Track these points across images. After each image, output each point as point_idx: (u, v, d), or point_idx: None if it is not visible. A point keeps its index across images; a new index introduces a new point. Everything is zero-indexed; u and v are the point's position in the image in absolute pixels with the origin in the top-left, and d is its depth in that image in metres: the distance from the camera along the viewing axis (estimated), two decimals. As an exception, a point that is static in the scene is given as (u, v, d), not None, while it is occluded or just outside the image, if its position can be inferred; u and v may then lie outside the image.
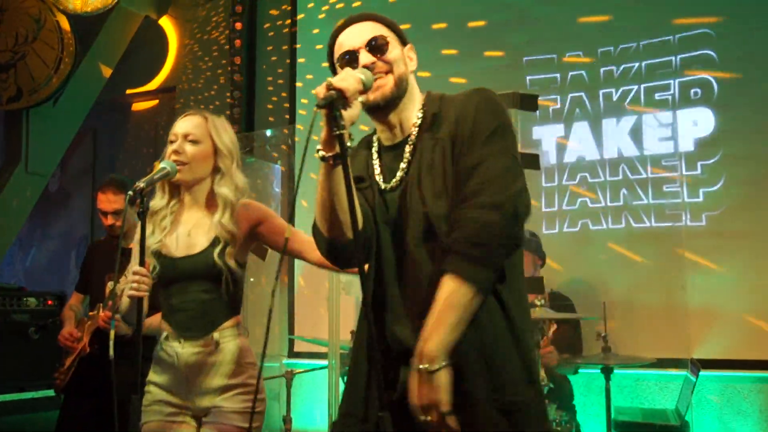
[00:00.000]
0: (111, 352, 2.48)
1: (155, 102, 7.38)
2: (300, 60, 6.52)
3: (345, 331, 4.51)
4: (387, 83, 2.06)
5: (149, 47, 7.15)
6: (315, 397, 5.50)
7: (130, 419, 2.48)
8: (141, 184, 2.59)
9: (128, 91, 7.36)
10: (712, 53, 4.97)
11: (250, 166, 5.86)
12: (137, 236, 2.71)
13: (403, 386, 1.89)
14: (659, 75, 5.11)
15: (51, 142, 6.18)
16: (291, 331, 6.12)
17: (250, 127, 6.55)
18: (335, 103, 1.81)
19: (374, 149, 2.19)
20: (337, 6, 6.33)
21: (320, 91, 1.84)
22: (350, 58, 2.07)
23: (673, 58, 5.08)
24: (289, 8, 6.67)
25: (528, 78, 5.52)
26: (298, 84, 6.49)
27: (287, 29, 6.67)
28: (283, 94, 6.61)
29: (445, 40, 5.80)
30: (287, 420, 4.58)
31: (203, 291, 2.78)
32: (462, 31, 5.81)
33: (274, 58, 6.70)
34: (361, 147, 2.25)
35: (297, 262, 6.15)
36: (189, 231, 2.85)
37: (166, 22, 7.18)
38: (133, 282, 2.60)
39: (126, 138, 7.45)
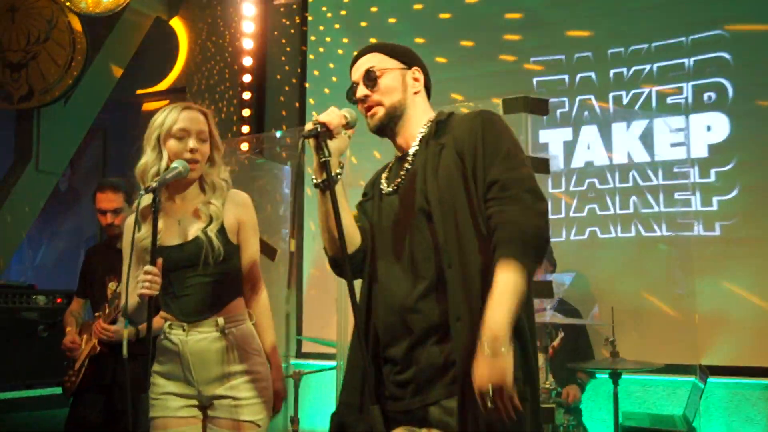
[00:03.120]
0: (125, 351, 2.49)
1: (165, 102, 7.38)
2: (310, 56, 6.52)
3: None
4: (377, 113, 2.29)
5: (160, 48, 7.17)
6: (323, 397, 5.50)
7: (140, 417, 2.49)
8: (153, 183, 2.60)
9: (138, 92, 7.39)
10: (726, 56, 4.92)
11: (260, 167, 5.87)
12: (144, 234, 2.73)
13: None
14: (671, 78, 5.06)
15: (61, 141, 6.21)
16: (299, 331, 6.13)
17: (260, 128, 6.56)
18: (320, 135, 2.10)
19: (390, 164, 2.41)
20: (344, 10, 6.34)
21: (308, 125, 2.12)
22: (350, 92, 2.34)
23: (686, 61, 5.03)
24: (300, 9, 6.69)
25: (535, 80, 5.49)
26: (307, 85, 6.50)
27: (297, 30, 6.68)
28: (293, 95, 6.62)
29: (453, 42, 5.79)
30: (295, 420, 4.59)
31: (202, 275, 2.79)
32: (470, 34, 5.81)
33: (284, 59, 6.71)
34: (379, 172, 2.45)
35: (305, 263, 6.15)
36: (179, 220, 2.86)
37: (176, 23, 7.20)
38: (144, 281, 2.61)
39: (136, 138, 7.39)
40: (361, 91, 2.31)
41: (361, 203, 2.41)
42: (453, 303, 2.04)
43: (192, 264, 2.80)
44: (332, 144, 2.13)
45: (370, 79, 2.30)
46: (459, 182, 2.12)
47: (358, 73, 2.33)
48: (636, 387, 4.89)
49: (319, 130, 2.10)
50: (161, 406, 2.79)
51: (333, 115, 2.16)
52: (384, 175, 2.40)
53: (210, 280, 2.81)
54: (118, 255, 4.08)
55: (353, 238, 2.30)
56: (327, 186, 2.12)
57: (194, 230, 2.84)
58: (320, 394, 5.56)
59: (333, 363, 4.75)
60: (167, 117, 2.87)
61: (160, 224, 2.82)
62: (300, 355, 6.10)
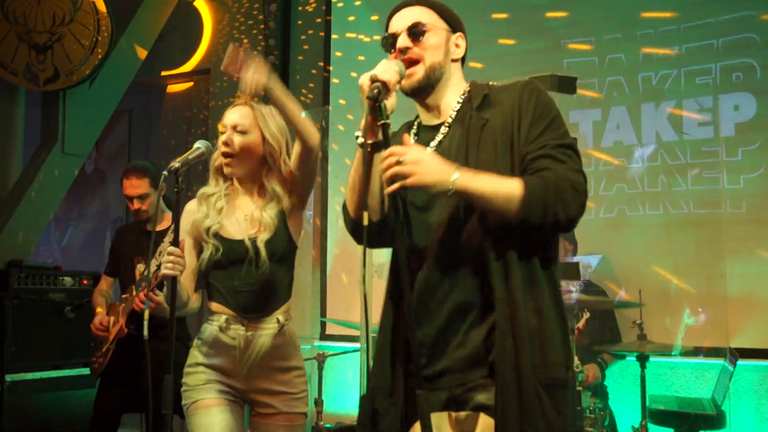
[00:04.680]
0: (145, 331, 2.50)
1: (190, 84, 7.40)
2: (333, 36, 6.49)
3: (377, 315, 4.49)
4: (416, 72, 2.13)
5: (184, 29, 7.17)
6: (346, 379, 5.51)
7: (164, 398, 2.49)
8: (176, 164, 2.60)
9: (163, 73, 7.39)
10: (755, 36, 4.85)
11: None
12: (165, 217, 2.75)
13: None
14: (700, 58, 5.00)
15: (87, 123, 6.22)
16: (323, 313, 6.13)
17: (284, 109, 6.54)
18: (380, 94, 1.94)
19: (413, 130, 2.26)
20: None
21: (365, 82, 1.96)
22: (390, 42, 2.17)
23: (715, 42, 4.96)
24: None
25: (565, 61, 5.43)
26: (330, 68, 6.47)
27: (322, 8, 6.64)
28: (316, 75, 6.59)
29: (482, 20, 5.72)
30: (319, 402, 4.60)
31: (266, 273, 2.84)
32: (500, 12, 5.73)
33: (306, 37, 6.68)
34: (402, 130, 2.30)
35: (329, 246, 6.14)
36: (246, 216, 2.91)
37: (201, 4, 7.18)
38: (167, 262, 2.61)
39: (161, 120, 7.48)
40: (404, 41, 2.14)
41: None
42: (492, 290, 1.96)
43: (256, 262, 2.83)
44: (387, 103, 2.00)
45: (417, 33, 2.14)
46: (504, 159, 2.01)
47: (401, 23, 2.16)
48: (664, 370, 4.85)
49: (380, 89, 1.95)
50: (206, 389, 2.84)
51: (390, 72, 2.02)
52: (411, 139, 2.19)
53: (272, 280, 2.87)
54: (147, 237, 4.14)
55: (381, 205, 2.19)
56: (378, 149, 1.99)
57: (260, 230, 2.87)
58: (344, 376, 5.56)
59: (357, 345, 4.75)
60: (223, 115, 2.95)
61: (226, 216, 2.89)
62: (324, 337, 6.11)
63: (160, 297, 3.35)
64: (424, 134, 2.21)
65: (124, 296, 4.12)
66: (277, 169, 2.91)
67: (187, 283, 2.91)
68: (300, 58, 6.69)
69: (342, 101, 6.32)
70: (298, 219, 2.98)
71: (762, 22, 4.83)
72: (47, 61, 5.89)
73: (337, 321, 5.33)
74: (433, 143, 2.14)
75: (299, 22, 6.73)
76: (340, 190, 6.00)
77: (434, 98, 2.18)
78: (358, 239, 2.23)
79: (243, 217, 2.90)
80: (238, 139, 2.86)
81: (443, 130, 2.15)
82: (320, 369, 4.65)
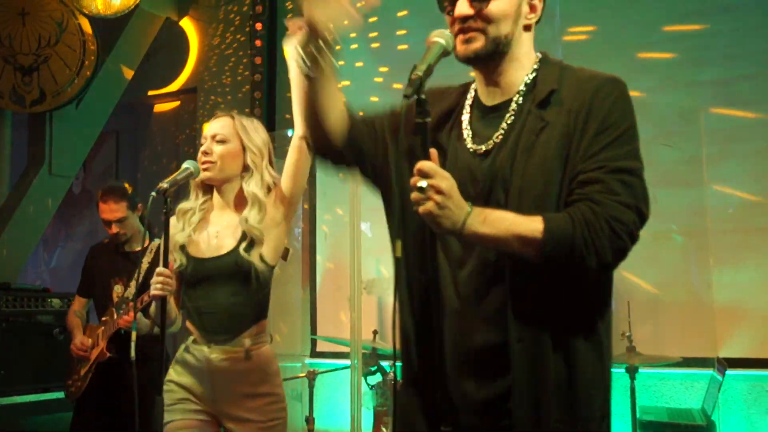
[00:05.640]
0: (132, 353, 2.50)
1: (177, 103, 7.40)
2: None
3: (367, 331, 4.51)
4: (475, 41, 1.77)
5: (170, 49, 7.18)
6: (337, 397, 5.49)
7: (154, 419, 2.49)
8: (164, 184, 2.61)
9: (150, 93, 7.39)
10: (734, 48, 4.86)
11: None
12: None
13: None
14: (686, 71, 5.02)
15: (74, 144, 6.23)
16: (313, 331, 6.12)
17: (270, 127, 6.55)
18: (421, 87, 1.62)
19: (468, 101, 1.91)
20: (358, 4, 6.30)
21: (419, 71, 1.62)
22: (448, 2, 1.81)
23: (700, 53, 4.97)
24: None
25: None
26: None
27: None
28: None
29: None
30: (310, 420, 4.58)
31: (231, 294, 2.76)
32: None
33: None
34: (454, 90, 1.97)
35: (319, 263, 6.14)
36: (217, 232, 2.85)
37: (187, 24, 7.19)
38: (156, 282, 2.61)
39: (148, 139, 7.48)
40: (463, 8, 1.75)
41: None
42: (514, 327, 1.69)
43: (221, 279, 2.76)
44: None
45: None
46: (555, 172, 1.69)
47: None
48: (653, 381, 4.85)
49: (421, 81, 1.61)
50: (179, 410, 2.78)
51: (434, 54, 1.67)
52: (465, 117, 1.88)
53: (237, 300, 2.77)
54: (124, 258, 4.14)
55: (339, 126, 1.92)
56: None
57: (228, 244, 2.80)
58: (335, 393, 5.55)
59: (347, 362, 4.75)
60: None
61: (198, 232, 2.84)
62: (314, 354, 6.09)
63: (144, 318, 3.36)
64: (481, 118, 1.86)
65: (104, 318, 4.08)
66: (259, 176, 2.85)
67: (173, 301, 2.87)
68: (287, 75, 6.70)
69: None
70: (280, 233, 2.86)
71: (745, 32, 4.83)
72: (33, 83, 5.90)
73: (327, 338, 5.33)
74: (498, 134, 1.79)
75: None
76: (328, 209, 6.02)
77: (496, 73, 1.82)
78: (329, 161, 2.00)
79: (214, 232, 2.84)
80: (217, 148, 2.84)
81: (506, 120, 1.79)
82: (311, 386, 4.64)
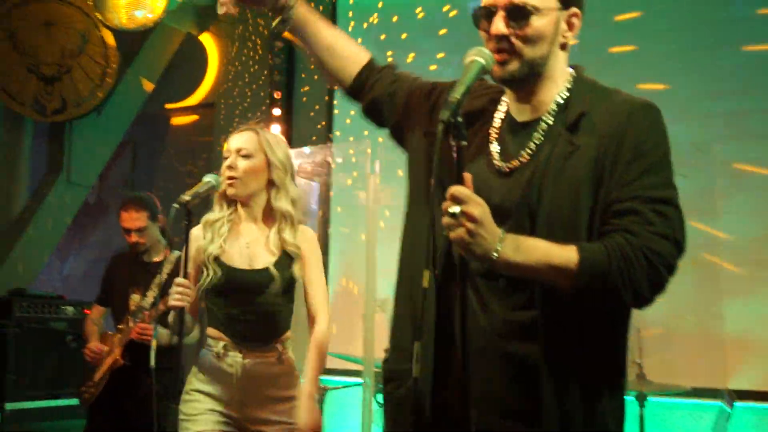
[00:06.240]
0: (152, 362, 2.53)
1: (195, 117, 7.48)
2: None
3: (380, 349, 4.50)
4: (510, 65, 1.71)
5: (190, 63, 7.26)
6: (347, 414, 5.50)
7: (168, 428, 2.52)
8: (186, 197, 2.65)
9: (167, 106, 7.47)
10: (750, 79, 4.89)
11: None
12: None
13: None
14: (695, 103, 5.05)
15: (93, 154, 6.31)
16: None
17: (288, 144, 6.60)
18: (457, 113, 1.53)
19: (496, 120, 1.85)
20: (374, 21, 6.37)
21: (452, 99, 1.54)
22: (483, 16, 1.74)
23: (711, 87, 5.00)
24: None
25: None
26: (336, 102, 6.53)
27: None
28: (320, 109, 6.65)
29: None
30: (319, 436, 4.58)
31: (268, 303, 2.85)
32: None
33: (315, 77, 6.76)
34: (486, 91, 1.91)
35: (331, 280, 6.16)
36: (248, 243, 2.90)
37: (206, 39, 7.28)
38: (176, 293, 2.65)
39: (164, 152, 7.55)
40: (500, 26, 1.69)
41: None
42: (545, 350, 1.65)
43: (258, 292, 2.84)
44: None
45: (520, 16, 1.68)
46: (585, 200, 1.65)
47: None
48: (662, 410, 4.84)
49: (458, 108, 1.53)
50: (204, 420, 2.80)
51: (470, 77, 1.60)
52: (493, 133, 1.82)
53: (273, 310, 2.88)
54: (143, 268, 4.18)
55: (351, 61, 2.04)
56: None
57: (264, 260, 2.87)
58: (345, 411, 5.55)
59: (358, 380, 4.75)
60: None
61: (229, 242, 2.88)
62: (324, 371, 6.08)
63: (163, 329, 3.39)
64: (510, 132, 1.81)
65: (120, 326, 4.12)
66: (285, 192, 2.92)
67: (191, 312, 2.92)
68: (305, 89, 6.75)
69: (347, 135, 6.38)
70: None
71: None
72: (55, 92, 5.99)
73: (340, 355, 5.33)
74: (525, 153, 1.74)
75: (304, 57, 6.81)
76: (341, 224, 6.06)
77: (529, 92, 1.77)
78: (360, 102, 2.09)
79: (245, 244, 2.90)
80: (242, 163, 2.87)
81: (535, 139, 1.74)
82: (321, 403, 4.65)
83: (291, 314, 2.99)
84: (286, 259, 2.88)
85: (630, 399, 4.12)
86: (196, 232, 2.91)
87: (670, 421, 4.84)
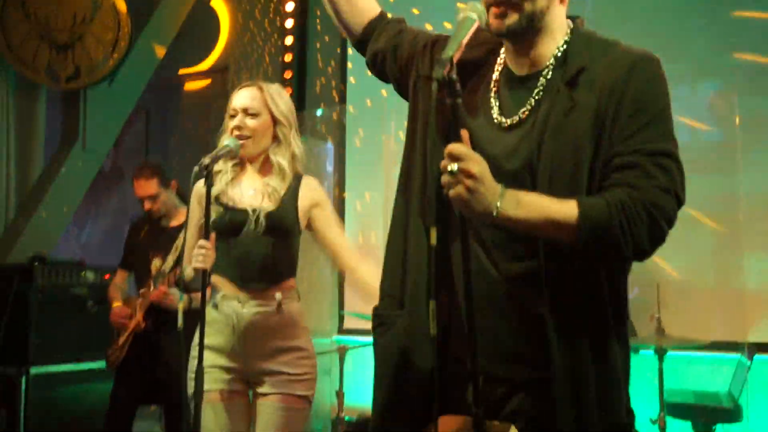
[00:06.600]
0: (180, 323, 2.56)
1: (207, 81, 7.46)
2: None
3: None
4: (509, 19, 1.68)
5: (201, 28, 7.22)
6: (365, 373, 5.54)
7: (195, 388, 2.55)
8: (206, 160, 2.66)
9: (180, 71, 7.46)
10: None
11: (303, 145, 5.89)
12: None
13: None
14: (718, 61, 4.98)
15: (107, 121, 6.31)
16: (341, 306, 6.16)
17: (301, 106, 6.58)
18: (451, 70, 1.54)
19: (495, 73, 1.84)
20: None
21: (449, 52, 1.55)
22: None
23: (732, 45, 4.93)
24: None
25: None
26: (349, 65, 6.49)
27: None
28: (333, 73, 6.61)
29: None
30: (340, 394, 4.64)
31: (268, 245, 2.86)
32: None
33: (326, 38, 6.72)
34: (483, 41, 1.86)
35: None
36: (252, 188, 2.95)
37: (218, 3, 7.24)
38: (198, 255, 2.67)
39: (178, 117, 7.55)
40: None
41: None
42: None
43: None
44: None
45: None
46: (585, 156, 1.65)
47: None
48: (681, 364, 4.85)
49: (451, 67, 1.53)
50: (211, 380, 2.81)
51: (459, 38, 1.61)
52: (492, 88, 1.81)
53: (273, 253, 2.88)
54: (162, 233, 4.23)
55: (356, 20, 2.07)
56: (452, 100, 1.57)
57: (264, 203, 2.92)
58: (365, 370, 5.59)
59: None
60: (230, 97, 2.98)
61: (231, 187, 2.93)
62: (341, 331, 6.14)
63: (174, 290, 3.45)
64: (509, 88, 1.79)
65: (141, 291, 4.18)
66: (287, 146, 2.96)
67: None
68: (317, 56, 6.72)
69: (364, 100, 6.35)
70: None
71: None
72: (68, 59, 5.98)
73: (358, 314, 5.36)
74: (525, 109, 1.74)
75: (317, 20, 6.76)
76: (356, 185, 6.06)
77: (527, 45, 1.75)
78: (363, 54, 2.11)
79: (249, 188, 2.95)
80: (250, 123, 2.91)
81: (535, 94, 1.73)
82: (341, 362, 4.70)
83: (291, 264, 2.97)
84: (290, 203, 2.93)
85: (649, 353, 4.14)
86: (198, 185, 2.91)
87: (689, 375, 4.85)
